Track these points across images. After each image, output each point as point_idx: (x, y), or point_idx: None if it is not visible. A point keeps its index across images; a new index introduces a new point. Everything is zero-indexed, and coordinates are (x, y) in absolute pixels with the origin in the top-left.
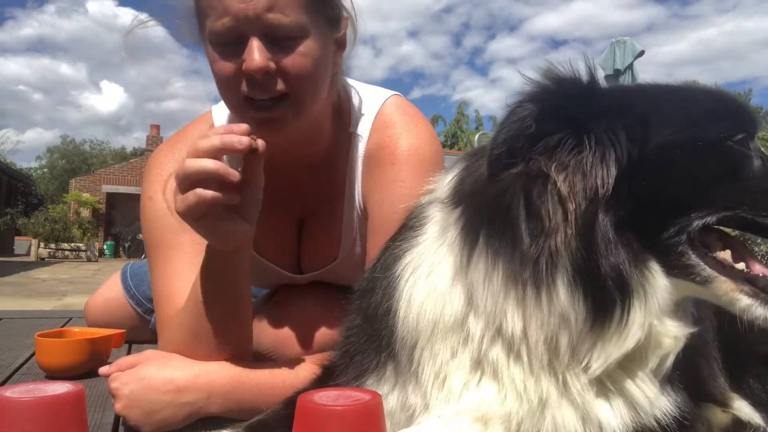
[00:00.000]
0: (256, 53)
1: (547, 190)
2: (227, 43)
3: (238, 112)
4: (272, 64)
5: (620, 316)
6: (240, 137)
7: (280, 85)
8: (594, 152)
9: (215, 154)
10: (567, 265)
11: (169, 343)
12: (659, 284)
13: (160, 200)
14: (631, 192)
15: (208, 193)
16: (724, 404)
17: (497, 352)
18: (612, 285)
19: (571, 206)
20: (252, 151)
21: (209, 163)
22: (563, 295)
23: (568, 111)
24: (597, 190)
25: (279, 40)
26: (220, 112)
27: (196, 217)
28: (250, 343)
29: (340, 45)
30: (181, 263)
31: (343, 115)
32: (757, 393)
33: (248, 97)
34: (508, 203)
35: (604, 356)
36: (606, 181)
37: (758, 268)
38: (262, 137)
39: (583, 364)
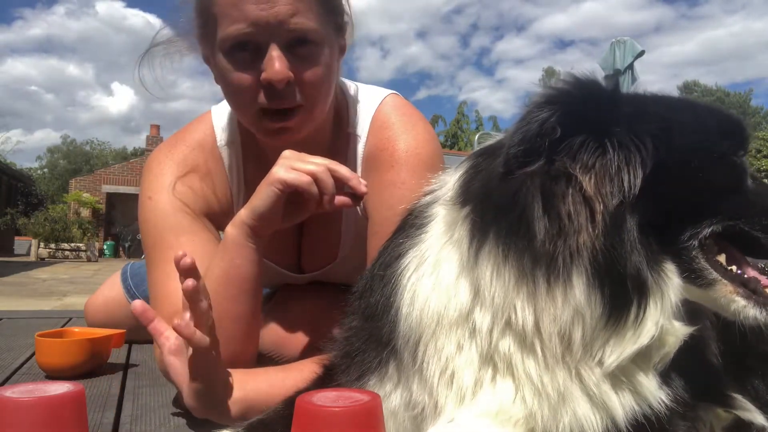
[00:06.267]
0: (277, 63)
1: (569, 191)
2: (241, 52)
3: (252, 123)
4: (292, 74)
5: (636, 314)
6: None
7: (298, 96)
8: (618, 155)
9: (334, 177)
10: (586, 264)
11: None
12: (675, 284)
13: (159, 200)
14: (653, 196)
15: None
16: (727, 404)
17: (509, 345)
18: (632, 284)
19: (598, 206)
20: (356, 198)
21: (329, 181)
22: (579, 292)
23: (589, 115)
24: (625, 193)
25: (296, 50)
26: (220, 112)
27: (294, 191)
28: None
29: (342, 50)
30: None
31: (341, 115)
32: (762, 393)
33: (263, 108)
34: (523, 201)
35: (618, 352)
36: (633, 184)
37: (751, 272)
38: (274, 144)
39: (596, 358)
